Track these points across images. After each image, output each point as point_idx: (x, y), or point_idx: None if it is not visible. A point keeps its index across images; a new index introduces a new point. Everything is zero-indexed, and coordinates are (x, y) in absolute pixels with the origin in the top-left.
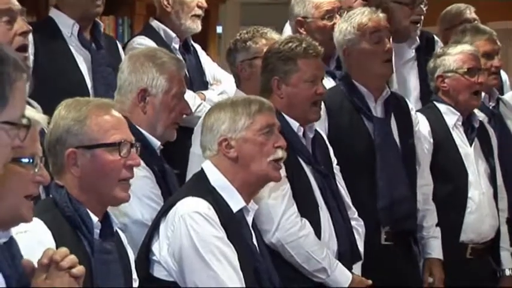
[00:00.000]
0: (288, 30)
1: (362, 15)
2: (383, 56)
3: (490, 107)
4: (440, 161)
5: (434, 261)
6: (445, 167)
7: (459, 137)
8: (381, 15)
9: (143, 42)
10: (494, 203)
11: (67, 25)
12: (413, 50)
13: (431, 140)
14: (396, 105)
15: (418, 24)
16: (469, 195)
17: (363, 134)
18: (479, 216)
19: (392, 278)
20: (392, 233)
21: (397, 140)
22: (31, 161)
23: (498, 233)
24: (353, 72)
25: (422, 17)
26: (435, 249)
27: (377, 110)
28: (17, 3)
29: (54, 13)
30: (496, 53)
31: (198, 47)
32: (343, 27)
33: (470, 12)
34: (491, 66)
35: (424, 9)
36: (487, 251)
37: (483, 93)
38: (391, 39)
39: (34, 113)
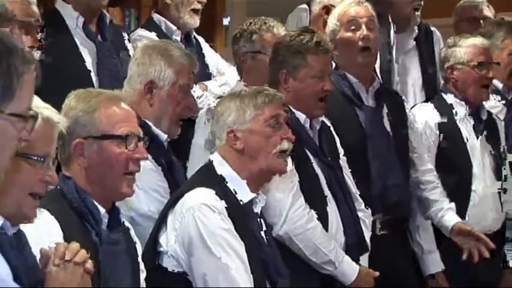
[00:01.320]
0: (291, 22)
1: (344, 6)
2: (359, 44)
3: (509, 98)
4: (446, 153)
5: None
6: (450, 158)
7: (466, 129)
8: (366, 5)
9: (143, 34)
10: (499, 197)
11: (72, 17)
12: (413, 40)
13: (437, 132)
14: (388, 96)
15: (418, 12)
16: (473, 188)
17: (354, 123)
18: (482, 209)
19: (389, 268)
20: (386, 223)
21: (389, 129)
22: (41, 159)
23: (503, 225)
24: (340, 64)
25: (422, 3)
26: (455, 218)
27: (369, 101)
28: (38, 16)
29: (59, 5)
30: None
31: (201, 39)
32: (329, 20)
33: (482, 5)
34: None
35: None
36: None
37: (501, 85)
38: (392, 29)
39: (54, 114)
